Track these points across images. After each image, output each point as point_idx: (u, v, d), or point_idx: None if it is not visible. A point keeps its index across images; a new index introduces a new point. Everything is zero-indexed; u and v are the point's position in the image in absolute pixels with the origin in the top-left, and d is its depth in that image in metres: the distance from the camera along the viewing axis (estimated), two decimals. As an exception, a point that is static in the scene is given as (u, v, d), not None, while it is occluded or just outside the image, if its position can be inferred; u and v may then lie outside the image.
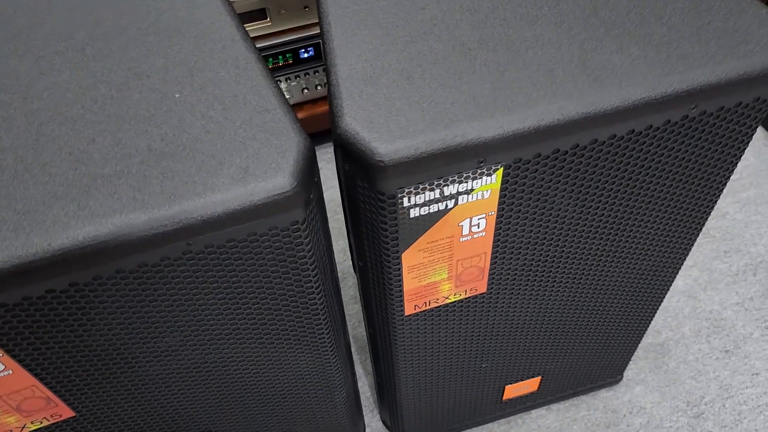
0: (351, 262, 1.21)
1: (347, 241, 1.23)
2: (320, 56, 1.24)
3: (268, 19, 1.16)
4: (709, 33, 0.55)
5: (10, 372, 0.54)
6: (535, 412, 1.03)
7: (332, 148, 1.43)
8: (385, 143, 0.49)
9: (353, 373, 0.82)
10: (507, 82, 0.53)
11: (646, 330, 0.89)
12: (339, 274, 1.19)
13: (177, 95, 0.54)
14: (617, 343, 0.90)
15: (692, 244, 0.73)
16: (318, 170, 0.54)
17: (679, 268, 0.77)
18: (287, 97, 1.29)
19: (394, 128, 0.50)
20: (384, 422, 1.02)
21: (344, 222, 1.25)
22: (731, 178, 1.31)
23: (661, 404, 1.01)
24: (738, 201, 1.27)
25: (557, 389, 0.99)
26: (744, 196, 1.27)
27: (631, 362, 1.07)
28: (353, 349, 1.12)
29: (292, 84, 1.27)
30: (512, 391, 0.94)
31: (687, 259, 1.19)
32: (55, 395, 0.59)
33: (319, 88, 1.29)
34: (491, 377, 0.88)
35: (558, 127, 0.51)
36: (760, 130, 1.39)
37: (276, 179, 0.47)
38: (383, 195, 0.52)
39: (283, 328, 0.62)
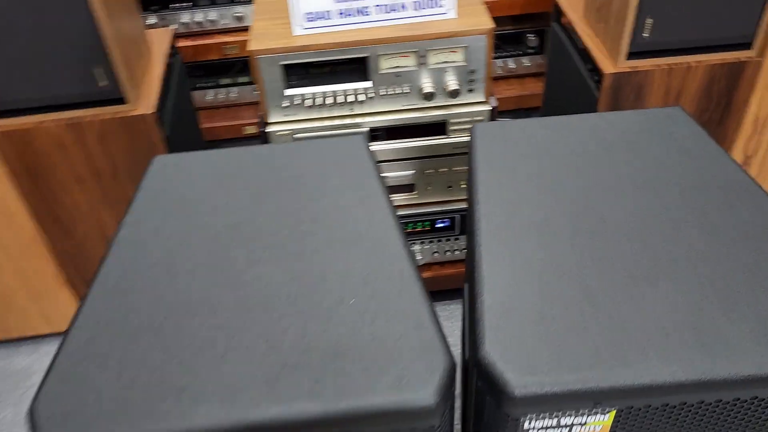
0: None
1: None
2: (453, 227, 1.38)
3: (416, 192, 1.33)
4: (817, 320, 0.62)
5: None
6: None
7: (452, 305, 1.55)
8: (517, 377, 0.59)
9: None
10: (626, 335, 0.62)
11: None
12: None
13: (352, 301, 0.68)
14: None
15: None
16: (455, 383, 0.65)
17: None
18: (418, 258, 1.43)
19: (524, 365, 0.60)
20: None
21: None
22: None
23: None
24: None
25: None
26: None
27: None
28: None
29: (425, 247, 1.41)
30: None
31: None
32: None
33: (447, 253, 1.43)
34: None
35: (668, 387, 0.59)
36: None
37: (424, 394, 0.59)
38: (508, 416, 0.62)
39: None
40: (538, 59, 1.94)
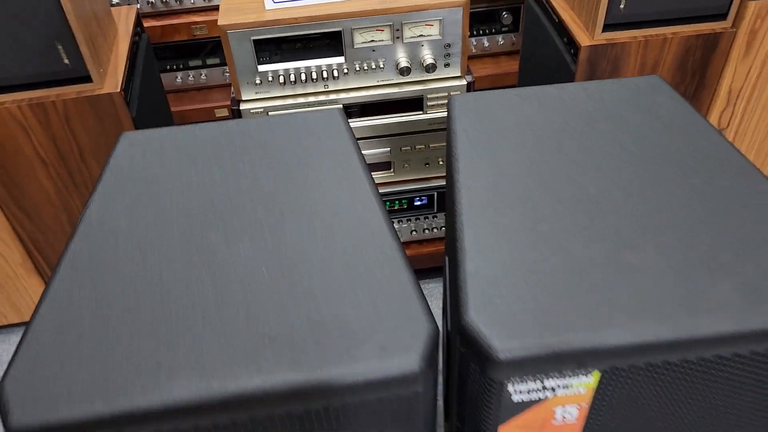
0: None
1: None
2: (432, 205, 1.37)
3: (392, 170, 1.32)
4: (797, 278, 0.62)
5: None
6: None
7: (432, 284, 1.54)
8: (501, 341, 0.59)
9: None
10: (609, 298, 0.62)
11: None
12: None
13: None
14: None
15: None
16: (439, 349, 0.64)
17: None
18: (397, 237, 1.42)
19: (508, 329, 0.60)
20: None
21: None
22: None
23: None
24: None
25: None
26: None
27: None
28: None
29: (403, 225, 1.40)
30: None
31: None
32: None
33: (426, 231, 1.42)
34: None
35: (651, 346, 0.59)
36: None
37: (408, 360, 0.58)
38: (492, 381, 0.61)
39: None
40: (512, 37, 1.93)
